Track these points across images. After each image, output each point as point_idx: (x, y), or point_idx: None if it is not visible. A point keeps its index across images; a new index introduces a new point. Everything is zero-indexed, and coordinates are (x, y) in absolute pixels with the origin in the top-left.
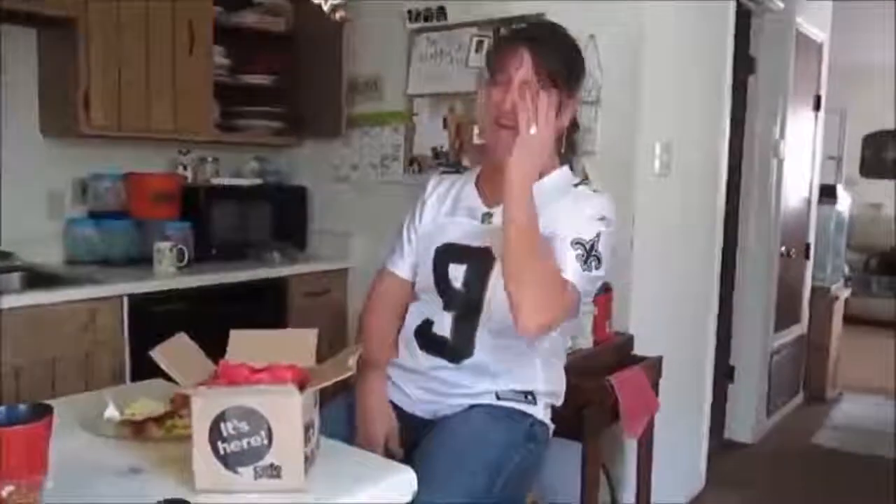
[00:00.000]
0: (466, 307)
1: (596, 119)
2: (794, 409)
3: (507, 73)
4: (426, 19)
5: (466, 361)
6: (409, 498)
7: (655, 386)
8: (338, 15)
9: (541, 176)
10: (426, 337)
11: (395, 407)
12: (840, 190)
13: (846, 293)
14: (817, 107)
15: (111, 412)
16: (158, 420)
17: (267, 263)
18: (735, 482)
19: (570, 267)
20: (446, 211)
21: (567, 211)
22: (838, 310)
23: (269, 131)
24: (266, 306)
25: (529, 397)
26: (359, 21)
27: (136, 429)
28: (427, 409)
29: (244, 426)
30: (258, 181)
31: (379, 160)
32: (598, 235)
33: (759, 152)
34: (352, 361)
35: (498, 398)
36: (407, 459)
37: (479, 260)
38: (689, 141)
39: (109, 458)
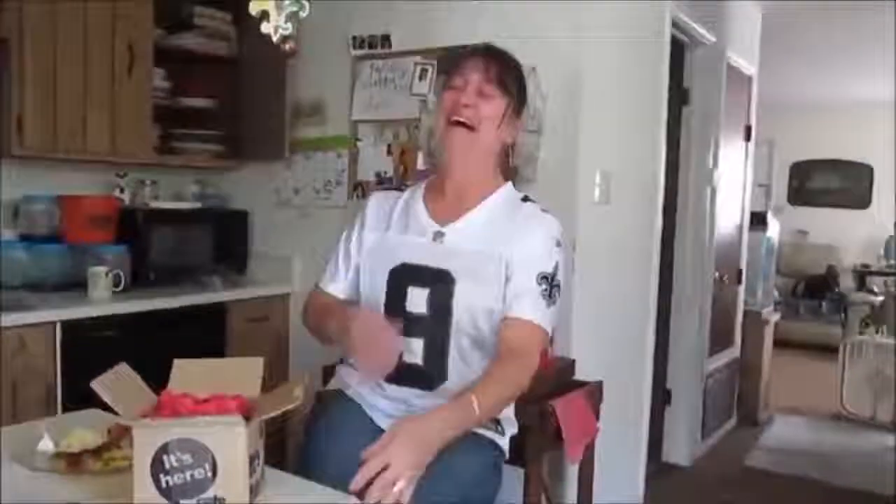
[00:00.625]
0: (434, 332)
1: (538, 148)
2: (728, 432)
3: (464, 77)
4: (371, 46)
5: (440, 387)
6: None
7: (596, 410)
8: (287, 46)
9: (488, 194)
10: (395, 368)
11: (362, 412)
12: (770, 217)
13: (776, 317)
14: (748, 137)
15: (45, 444)
16: (95, 452)
17: (206, 288)
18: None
19: (538, 309)
20: (396, 229)
21: (521, 234)
22: (769, 333)
23: (209, 154)
24: (206, 332)
25: (499, 427)
26: (303, 45)
27: (72, 461)
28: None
29: (188, 458)
30: (198, 205)
31: (322, 185)
32: (556, 265)
33: (693, 180)
34: (298, 391)
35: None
36: None
37: (441, 283)
38: (628, 169)
39: (47, 494)
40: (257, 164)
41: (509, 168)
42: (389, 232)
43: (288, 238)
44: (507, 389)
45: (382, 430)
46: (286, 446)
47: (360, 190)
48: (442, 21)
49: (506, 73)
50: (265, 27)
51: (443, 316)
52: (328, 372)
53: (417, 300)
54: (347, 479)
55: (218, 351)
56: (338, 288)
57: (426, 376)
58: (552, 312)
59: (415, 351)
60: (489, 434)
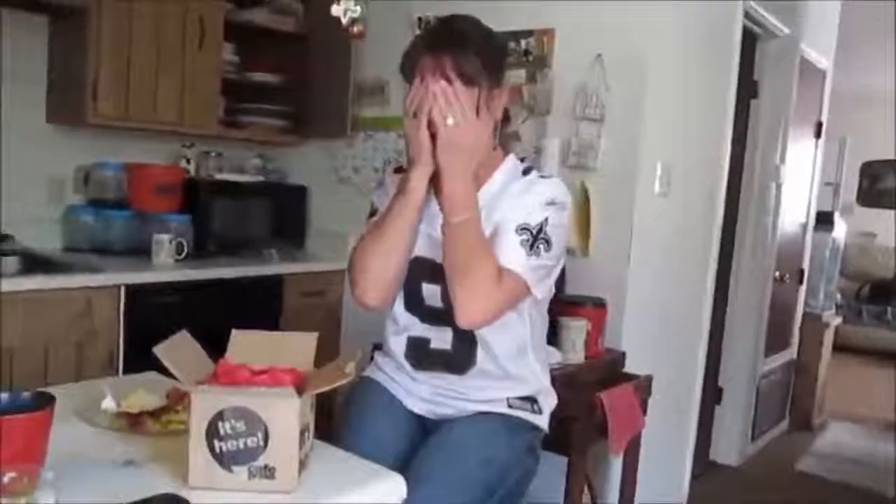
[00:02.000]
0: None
1: (599, 136)
2: (780, 435)
3: (429, 72)
4: None
5: (470, 371)
6: (397, 502)
7: (644, 404)
8: (356, 28)
9: (491, 172)
10: (422, 355)
11: (395, 399)
12: (837, 217)
13: (837, 321)
14: (818, 133)
15: (108, 403)
16: (154, 414)
17: (264, 261)
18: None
19: (513, 255)
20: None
21: (518, 199)
22: (828, 337)
23: (273, 129)
24: (262, 303)
25: (535, 406)
26: (369, 25)
27: (133, 421)
28: (430, 410)
29: (241, 426)
30: (260, 178)
31: (381, 164)
32: (545, 220)
33: (758, 176)
34: (349, 368)
35: (509, 406)
36: (406, 457)
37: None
38: (691, 162)
39: (105, 450)
40: (319, 141)
41: (503, 135)
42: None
43: (345, 215)
44: (478, 265)
45: (417, 415)
46: (333, 420)
47: None
48: (508, 5)
49: (467, 64)
50: (335, 10)
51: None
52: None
53: (432, 295)
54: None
55: (273, 322)
56: None
57: (456, 362)
58: (532, 263)
59: (444, 338)
60: (523, 415)
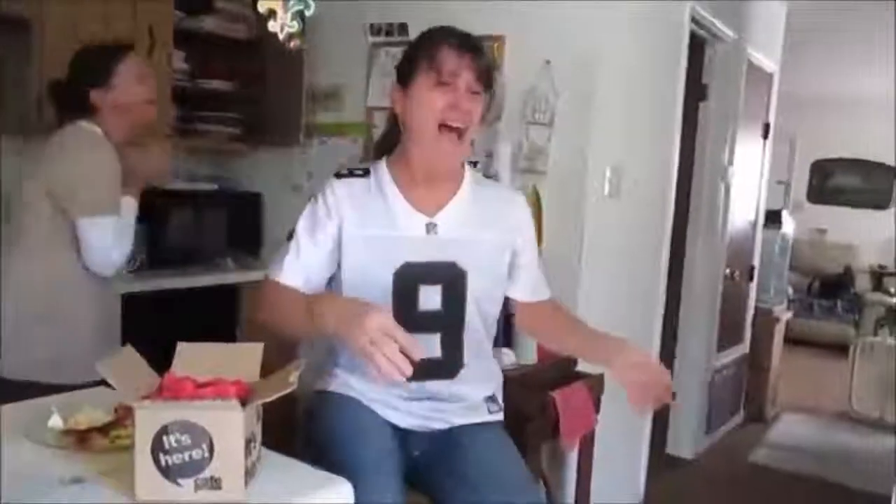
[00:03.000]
0: (449, 324)
1: (549, 140)
2: (734, 427)
3: (455, 74)
4: (388, 34)
5: (460, 373)
6: None
7: (597, 402)
8: (293, 44)
9: (460, 176)
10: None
11: (384, 421)
12: (785, 214)
13: (788, 315)
14: (766, 134)
15: (55, 421)
16: (102, 430)
17: (220, 270)
18: (673, 497)
19: (543, 283)
20: (381, 225)
21: (513, 218)
22: (780, 331)
23: (226, 137)
24: (218, 313)
25: (496, 406)
26: (321, 32)
27: (80, 438)
28: (425, 425)
29: (186, 439)
30: (213, 187)
31: (336, 170)
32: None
33: (707, 176)
34: (293, 377)
35: (489, 412)
36: (410, 473)
37: (453, 276)
38: (640, 164)
39: (52, 468)
40: (273, 149)
41: None
42: (374, 228)
43: None
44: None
45: (407, 431)
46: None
47: None
48: (459, 12)
49: (489, 67)
50: (272, 26)
51: (457, 308)
52: None
53: (431, 298)
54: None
55: (230, 332)
56: (298, 282)
57: (446, 367)
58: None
59: (432, 346)
60: (499, 416)
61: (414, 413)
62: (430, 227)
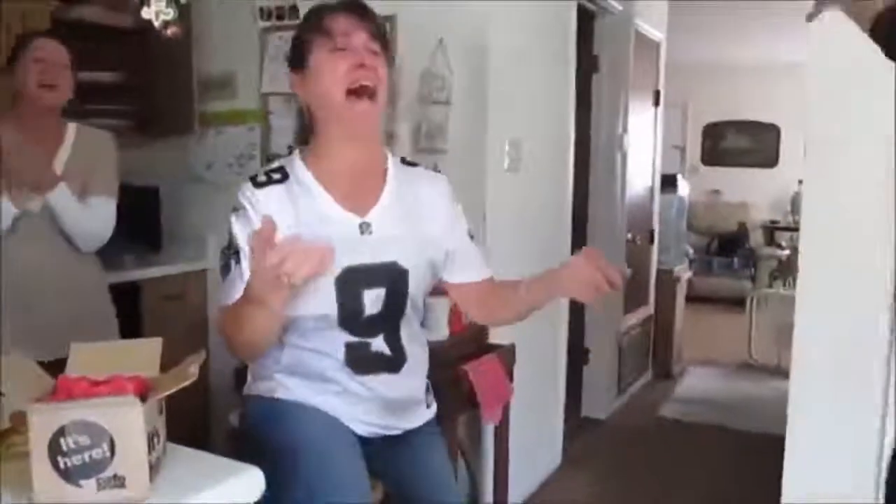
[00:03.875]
0: (391, 322)
1: (447, 119)
2: (643, 386)
3: (347, 35)
4: (279, 17)
5: (404, 367)
6: (256, 497)
7: (510, 372)
8: (170, 31)
9: (384, 166)
10: (363, 359)
11: (339, 422)
12: (680, 178)
13: (688, 274)
14: (657, 102)
15: None
16: None
17: (118, 268)
18: (589, 457)
19: (484, 261)
20: (314, 229)
21: (437, 205)
22: (681, 290)
23: (116, 129)
24: (120, 312)
25: (430, 397)
26: (209, 17)
27: None
28: (378, 432)
29: (85, 439)
30: None
31: (235, 158)
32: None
33: (604, 145)
34: (193, 369)
35: (427, 406)
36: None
37: (394, 277)
38: (538, 137)
39: None
40: (167, 140)
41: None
42: (308, 235)
43: (203, 213)
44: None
45: (365, 438)
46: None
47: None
48: None
49: (381, 27)
50: (146, 12)
51: (399, 306)
52: None
53: (374, 301)
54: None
55: (134, 330)
56: None
57: (392, 361)
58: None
59: (378, 344)
60: (434, 410)
61: (371, 422)
62: (364, 228)
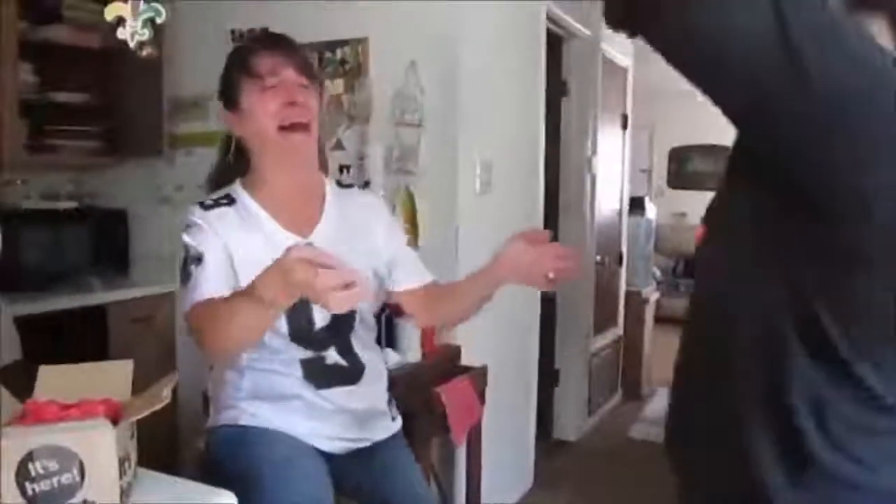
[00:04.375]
0: (341, 334)
1: (419, 141)
2: (614, 407)
3: (276, 73)
4: None
5: (363, 377)
6: None
7: (481, 394)
8: (145, 52)
9: (323, 189)
10: (320, 372)
11: (304, 444)
12: (647, 201)
13: (656, 295)
14: (625, 125)
15: None
16: None
17: (85, 291)
18: (560, 478)
19: (422, 266)
20: (262, 250)
21: (374, 220)
22: (650, 311)
23: (84, 151)
24: (84, 336)
25: (394, 409)
26: (180, 39)
27: None
28: (346, 447)
29: (54, 465)
30: (74, 204)
31: (204, 181)
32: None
33: (573, 168)
34: (166, 392)
35: (392, 419)
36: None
37: None
38: (509, 160)
39: None
40: (136, 161)
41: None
42: (256, 254)
43: (171, 235)
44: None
45: (333, 456)
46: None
47: None
48: (321, 16)
49: (306, 59)
50: (121, 33)
51: (346, 319)
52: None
53: (323, 316)
54: None
55: (101, 354)
56: (222, 289)
57: (350, 371)
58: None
59: (332, 357)
60: (399, 422)
61: (338, 436)
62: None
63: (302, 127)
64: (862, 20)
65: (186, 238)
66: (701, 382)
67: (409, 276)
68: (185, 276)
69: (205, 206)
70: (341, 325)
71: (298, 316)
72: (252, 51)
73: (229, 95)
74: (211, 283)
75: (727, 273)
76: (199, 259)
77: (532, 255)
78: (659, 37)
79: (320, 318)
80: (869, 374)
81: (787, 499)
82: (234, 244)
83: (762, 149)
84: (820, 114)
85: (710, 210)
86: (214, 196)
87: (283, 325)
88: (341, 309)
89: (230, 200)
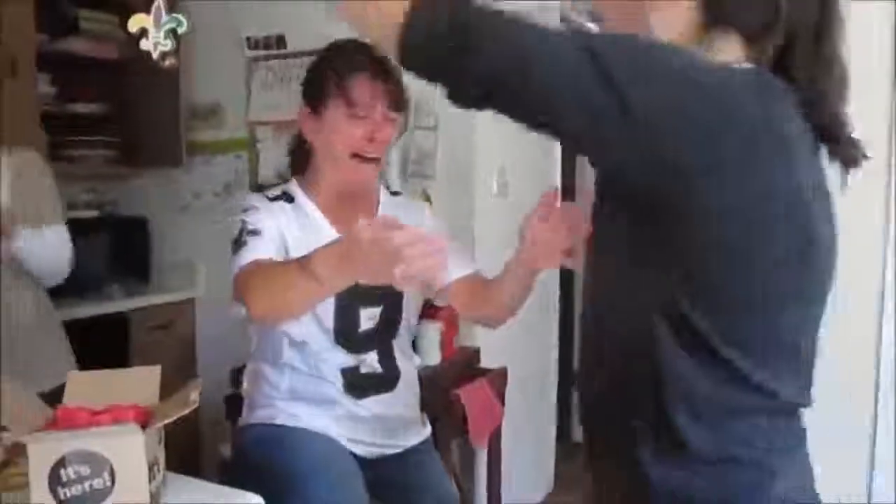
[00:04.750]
0: (385, 340)
1: (436, 144)
2: None
3: (369, 103)
4: (266, 47)
5: (399, 384)
6: None
7: (501, 396)
8: (167, 62)
9: (377, 196)
10: (359, 383)
11: (342, 446)
12: None
13: None
14: None
15: None
16: None
17: (106, 299)
18: (581, 480)
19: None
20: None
21: (419, 221)
22: None
23: (102, 161)
24: (106, 344)
25: (425, 415)
26: (196, 47)
27: None
28: (380, 452)
29: (85, 469)
30: (94, 213)
31: (222, 188)
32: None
33: (589, 170)
34: (194, 396)
35: (424, 424)
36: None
37: (390, 296)
38: (526, 161)
39: None
40: (154, 170)
41: None
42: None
43: (191, 243)
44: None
45: (364, 460)
46: (200, 457)
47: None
48: (336, 22)
49: (402, 89)
50: (144, 44)
51: (392, 324)
52: (236, 376)
53: (369, 319)
54: None
55: (122, 361)
56: (272, 253)
57: (386, 380)
58: None
59: (371, 363)
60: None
61: (372, 443)
62: None
63: (374, 160)
64: (715, 37)
65: (243, 216)
66: (592, 381)
67: (459, 265)
68: (239, 246)
69: (268, 197)
70: (387, 330)
71: (346, 313)
72: (353, 68)
73: (315, 99)
74: (266, 247)
75: (609, 276)
76: (255, 232)
77: (548, 235)
78: (505, 107)
79: (366, 322)
80: (736, 356)
81: (659, 472)
82: (290, 238)
83: (600, 166)
84: (643, 137)
85: (592, 215)
86: (273, 192)
87: (329, 318)
88: (415, 275)
89: (289, 198)
